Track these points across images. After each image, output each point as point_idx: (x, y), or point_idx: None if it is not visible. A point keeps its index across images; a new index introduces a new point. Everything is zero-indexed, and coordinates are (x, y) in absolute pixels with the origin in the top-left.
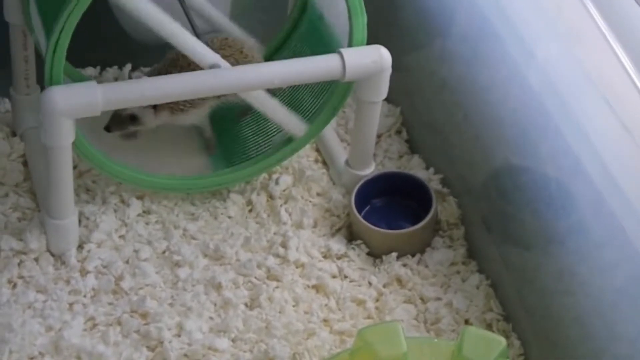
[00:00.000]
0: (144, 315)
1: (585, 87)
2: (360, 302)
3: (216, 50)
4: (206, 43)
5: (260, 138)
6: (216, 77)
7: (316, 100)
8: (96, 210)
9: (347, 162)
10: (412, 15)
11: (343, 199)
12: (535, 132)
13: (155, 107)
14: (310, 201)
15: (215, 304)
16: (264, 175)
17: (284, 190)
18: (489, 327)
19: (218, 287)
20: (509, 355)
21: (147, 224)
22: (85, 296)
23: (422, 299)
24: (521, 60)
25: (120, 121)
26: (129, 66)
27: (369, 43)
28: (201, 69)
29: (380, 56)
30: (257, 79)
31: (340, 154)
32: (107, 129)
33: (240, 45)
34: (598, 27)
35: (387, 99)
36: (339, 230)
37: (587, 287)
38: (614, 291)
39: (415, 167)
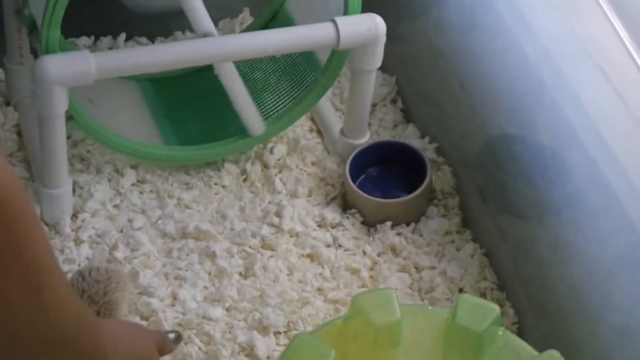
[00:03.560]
0: (138, 285)
1: (580, 56)
2: (355, 271)
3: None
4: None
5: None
6: (210, 45)
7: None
8: (90, 179)
9: (341, 131)
10: None
11: (338, 168)
12: (531, 102)
13: None
14: (304, 170)
15: (209, 273)
16: (259, 144)
17: (278, 160)
18: (483, 295)
19: (212, 256)
20: (502, 323)
21: (141, 193)
22: (79, 265)
23: (416, 267)
24: (517, 29)
25: None
26: (123, 36)
27: (364, 12)
28: None
29: (374, 24)
30: (251, 47)
31: (335, 123)
32: None
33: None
34: None
35: (382, 69)
36: (333, 199)
37: (582, 257)
38: (609, 261)
39: (410, 136)
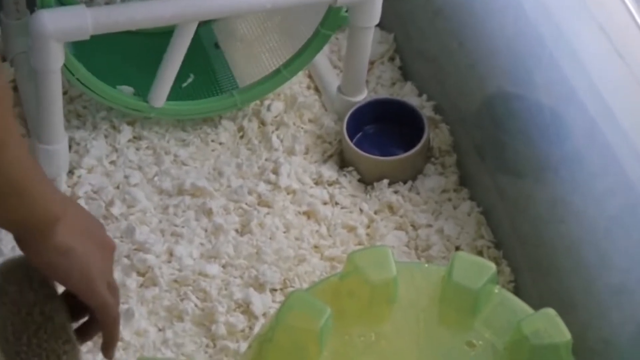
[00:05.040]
0: (134, 241)
1: (580, 14)
2: (351, 229)
3: None
4: None
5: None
6: (208, 0)
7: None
8: (87, 135)
9: (339, 89)
10: None
11: (335, 125)
12: (530, 60)
13: None
14: (302, 127)
15: (205, 230)
16: (256, 101)
17: (275, 117)
18: (479, 254)
19: (209, 213)
20: (499, 281)
21: (137, 149)
22: None
23: (413, 225)
24: None
25: None
26: None
27: None
28: None
29: None
30: (249, 3)
31: (333, 80)
32: None
33: None
34: None
35: (380, 26)
36: (330, 156)
37: (580, 216)
38: (606, 220)
39: (408, 94)
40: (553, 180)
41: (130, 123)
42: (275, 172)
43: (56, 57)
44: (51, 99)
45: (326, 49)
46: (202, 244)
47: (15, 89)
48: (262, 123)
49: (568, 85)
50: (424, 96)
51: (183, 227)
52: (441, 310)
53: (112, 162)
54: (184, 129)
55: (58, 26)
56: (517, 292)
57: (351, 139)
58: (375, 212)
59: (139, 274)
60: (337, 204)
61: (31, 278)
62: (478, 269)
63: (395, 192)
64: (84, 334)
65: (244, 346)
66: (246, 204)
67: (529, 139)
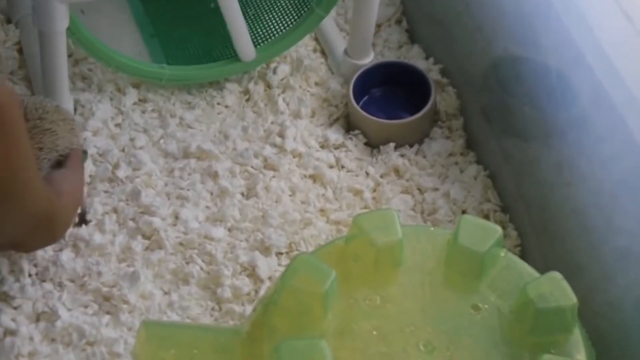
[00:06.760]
0: (139, 204)
1: None
2: (357, 192)
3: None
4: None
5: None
6: None
7: None
8: (92, 98)
9: (346, 52)
10: None
11: (341, 88)
12: (537, 23)
13: None
14: (308, 90)
15: (211, 193)
16: (261, 65)
17: (281, 80)
18: (486, 217)
19: (214, 176)
20: (505, 245)
21: (143, 112)
22: None
23: (419, 189)
24: None
25: None
26: None
27: None
28: None
29: None
30: None
31: (339, 43)
32: None
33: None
34: None
35: None
36: (336, 120)
37: (587, 180)
38: (613, 184)
39: (415, 57)
40: (559, 143)
41: (136, 86)
42: (281, 135)
43: (61, 19)
44: (56, 61)
45: (333, 11)
46: (207, 207)
47: (20, 51)
48: (268, 86)
49: (575, 48)
50: (431, 59)
51: (189, 190)
52: (447, 274)
53: (118, 125)
54: (189, 92)
55: None
56: (523, 255)
57: (357, 102)
58: (382, 176)
59: (145, 237)
60: (343, 167)
61: None
62: (484, 232)
63: (402, 155)
64: None
65: (249, 309)
66: (252, 167)
67: (536, 102)
